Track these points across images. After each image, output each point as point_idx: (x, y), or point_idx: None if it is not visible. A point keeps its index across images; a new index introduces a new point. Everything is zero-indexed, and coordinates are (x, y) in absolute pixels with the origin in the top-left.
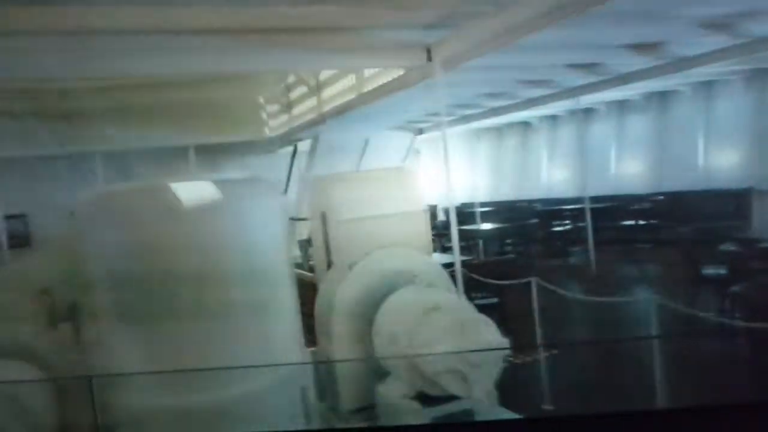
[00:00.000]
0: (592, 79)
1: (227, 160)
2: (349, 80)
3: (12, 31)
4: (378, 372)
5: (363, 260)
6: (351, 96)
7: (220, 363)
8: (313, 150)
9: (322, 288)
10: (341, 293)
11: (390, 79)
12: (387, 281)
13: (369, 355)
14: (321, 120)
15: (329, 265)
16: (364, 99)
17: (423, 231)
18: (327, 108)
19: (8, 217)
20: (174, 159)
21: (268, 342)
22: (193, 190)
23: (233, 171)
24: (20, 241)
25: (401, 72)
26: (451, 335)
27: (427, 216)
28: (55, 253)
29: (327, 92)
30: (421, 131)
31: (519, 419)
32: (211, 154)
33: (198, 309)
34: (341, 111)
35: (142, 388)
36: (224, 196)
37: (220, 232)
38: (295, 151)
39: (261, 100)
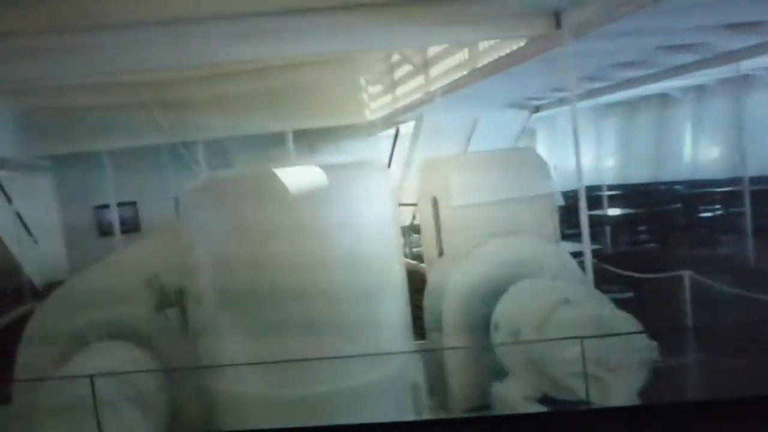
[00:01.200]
0: (753, 41)
1: (325, 145)
2: (461, 56)
3: (116, 23)
4: (495, 370)
5: (480, 248)
6: (462, 72)
7: (326, 353)
8: (416, 132)
9: (432, 278)
10: (455, 284)
11: (508, 51)
12: (508, 272)
13: (485, 351)
14: (427, 100)
15: (440, 253)
16: (478, 75)
17: (549, 217)
18: (434, 86)
19: (120, 205)
20: (272, 145)
21: (376, 332)
22: (301, 176)
23: (334, 155)
24: (131, 226)
25: (521, 43)
26: (584, 332)
27: (554, 201)
28: (163, 239)
29: (435, 70)
30: (537, 109)
31: (519, 414)
32: (309, 140)
33: (305, 296)
34: (450, 89)
35: (248, 377)
36: (333, 180)
37: (330, 218)
38: (397, 134)
39: (361, 81)
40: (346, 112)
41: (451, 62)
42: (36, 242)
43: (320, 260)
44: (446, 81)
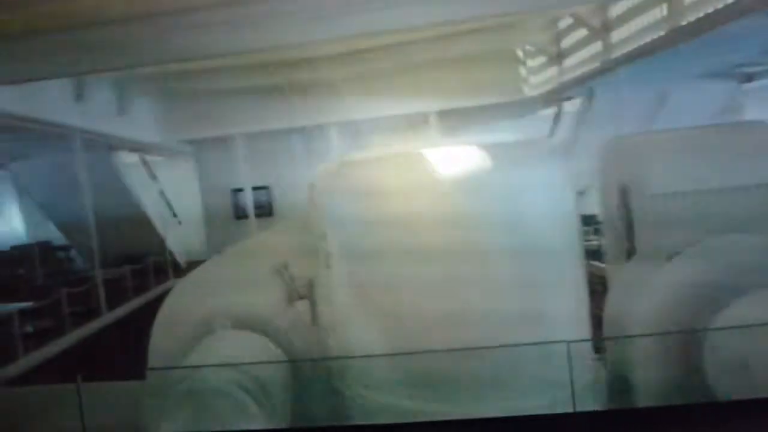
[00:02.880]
0: None
1: (474, 126)
2: (656, 13)
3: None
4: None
5: (690, 249)
6: (656, 34)
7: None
8: (585, 109)
9: (619, 282)
10: (652, 292)
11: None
12: (729, 280)
13: (694, 381)
14: (603, 70)
15: (630, 252)
16: (677, 36)
17: None
18: (615, 53)
19: (254, 189)
20: (412, 127)
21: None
22: (457, 156)
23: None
24: (265, 210)
25: None
26: None
27: None
28: (293, 226)
29: (617, 33)
30: (749, 77)
31: (522, 416)
32: (455, 120)
33: (458, 293)
34: (637, 55)
35: (385, 385)
36: (493, 162)
37: (494, 205)
38: (559, 112)
39: (519, 53)
40: (500, 89)
41: (640, 22)
42: (180, 223)
43: (476, 251)
44: (631, 46)
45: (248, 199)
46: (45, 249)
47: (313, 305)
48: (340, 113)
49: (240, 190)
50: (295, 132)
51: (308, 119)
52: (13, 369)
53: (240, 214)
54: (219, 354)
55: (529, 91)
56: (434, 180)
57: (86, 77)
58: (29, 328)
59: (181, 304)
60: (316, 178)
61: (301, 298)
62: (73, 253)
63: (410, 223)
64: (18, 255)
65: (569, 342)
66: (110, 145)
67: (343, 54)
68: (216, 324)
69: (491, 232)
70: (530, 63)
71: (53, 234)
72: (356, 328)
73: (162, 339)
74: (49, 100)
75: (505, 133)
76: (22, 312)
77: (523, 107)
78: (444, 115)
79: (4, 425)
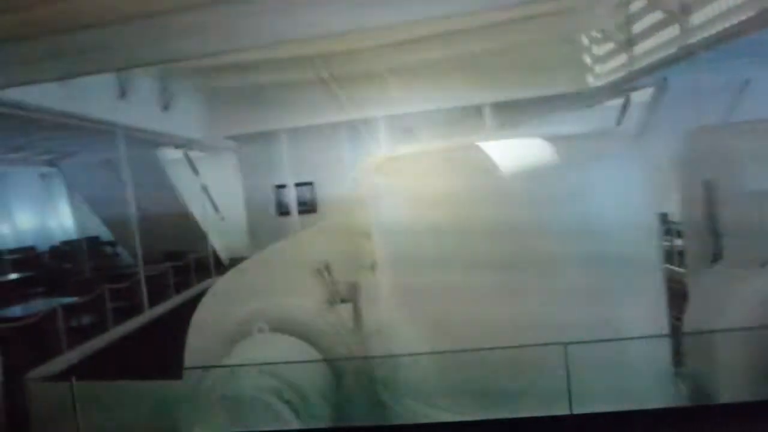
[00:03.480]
0: None
1: (532, 118)
2: None
3: None
4: None
5: None
6: (745, 15)
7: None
8: (657, 99)
9: (701, 288)
10: (743, 300)
11: None
12: None
13: None
14: (681, 56)
15: (716, 256)
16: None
17: None
18: (693, 39)
19: (298, 185)
20: (463, 121)
21: (617, 358)
22: (513, 151)
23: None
24: (308, 207)
25: None
26: None
27: None
28: (337, 225)
29: (699, 16)
30: None
31: (523, 418)
32: (512, 112)
33: (515, 299)
34: (717, 41)
35: (437, 398)
36: (562, 156)
37: (555, 204)
38: (627, 103)
39: (584, 39)
40: (561, 79)
41: (723, 4)
42: (222, 219)
43: (542, 257)
44: (711, 31)
45: (291, 196)
46: (93, 244)
47: (356, 309)
48: (387, 106)
49: (283, 186)
50: (340, 127)
51: (354, 113)
52: (56, 364)
53: (283, 211)
54: (255, 358)
55: (594, 81)
56: (493, 177)
57: (128, 74)
58: (73, 323)
59: (218, 305)
60: (360, 174)
61: (343, 301)
62: (119, 248)
63: (465, 225)
64: (67, 250)
65: (566, 344)
66: (154, 141)
67: (390, 44)
68: (253, 326)
69: (559, 236)
70: (596, 50)
71: (102, 230)
72: (403, 336)
73: (197, 340)
74: (93, 98)
75: (567, 125)
76: (66, 307)
77: (587, 98)
78: (500, 107)
79: (45, 420)
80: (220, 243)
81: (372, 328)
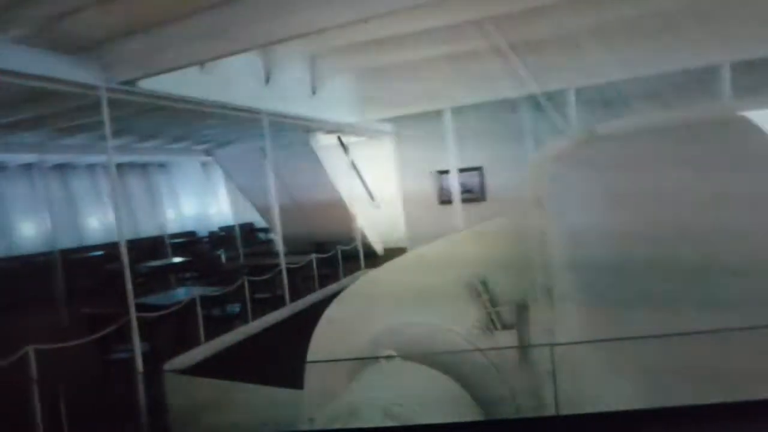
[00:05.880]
0: None
1: None
2: None
3: None
4: None
5: None
6: None
7: None
8: None
9: None
10: None
11: None
12: None
13: None
14: None
15: None
16: None
17: None
18: None
19: (462, 170)
20: (690, 87)
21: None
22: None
23: None
24: (474, 195)
25: None
26: None
27: None
28: (503, 225)
29: None
30: None
31: (525, 418)
32: (752, 76)
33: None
34: None
35: None
36: None
37: None
38: None
39: None
40: None
41: None
42: (378, 207)
43: None
44: None
45: (454, 183)
46: (246, 231)
47: (523, 337)
48: (579, 75)
49: (446, 172)
50: (517, 103)
51: (536, 85)
52: (194, 355)
53: (444, 199)
54: (379, 393)
55: None
56: (737, 165)
57: (274, 58)
58: (216, 313)
59: (342, 322)
60: (543, 158)
61: (505, 327)
62: (272, 234)
63: (689, 227)
64: (223, 236)
65: (552, 345)
66: (304, 127)
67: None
68: (381, 351)
69: None
70: None
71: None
72: (593, 374)
73: (319, 357)
74: (240, 85)
75: None
76: (206, 298)
77: None
78: (742, 68)
79: (179, 414)
80: (374, 233)
81: (546, 367)
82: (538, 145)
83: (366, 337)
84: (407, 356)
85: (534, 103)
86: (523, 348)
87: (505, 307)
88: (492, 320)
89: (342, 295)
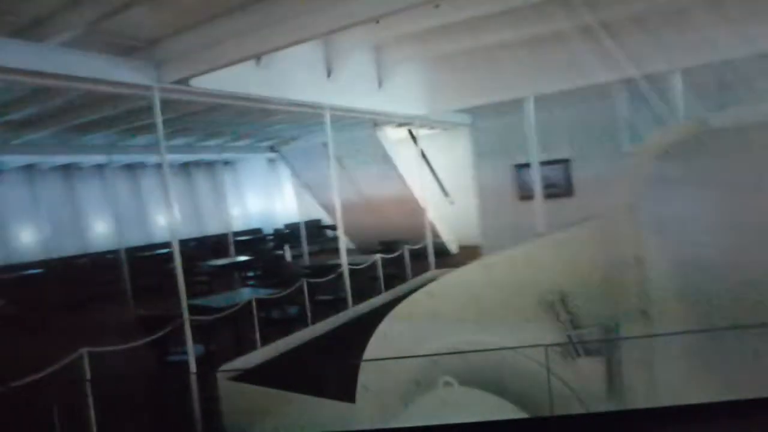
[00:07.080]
0: None
1: None
2: None
3: None
4: None
5: None
6: None
7: None
8: None
9: None
10: None
11: None
12: None
13: None
14: None
15: None
16: None
17: None
18: None
19: (545, 163)
20: None
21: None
22: None
23: None
24: (560, 190)
25: None
26: None
27: None
28: (591, 233)
29: None
30: None
31: (524, 419)
32: None
33: None
34: None
35: None
36: None
37: None
38: None
39: None
40: None
41: None
42: (452, 203)
43: None
44: None
45: (535, 177)
46: (313, 228)
47: (609, 364)
48: (687, 55)
49: (526, 165)
50: (611, 88)
51: (634, 69)
52: (248, 360)
53: (525, 195)
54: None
55: None
56: None
57: (338, 50)
58: (275, 315)
59: (398, 338)
60: (642, 155)
61: (588, 353)
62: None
63: None
64: (288, 233)
65: (547, 346)
66: (372, 121)
67: None
68: (438, 378)
69: None
70: None
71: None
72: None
73: (370, 375)
74: (300, 80)
75: None
76: (263, 300)
77: None
78: None
79: (234, 415)
80: (447, 230)
81: (641, 399)
82: (633, 137)
83: (420, 359)
84: (469, 382)
85: (631, 88)
86: (611, 380)
87: (589, 330)
88: (573, 344)
89: (398, 307)
